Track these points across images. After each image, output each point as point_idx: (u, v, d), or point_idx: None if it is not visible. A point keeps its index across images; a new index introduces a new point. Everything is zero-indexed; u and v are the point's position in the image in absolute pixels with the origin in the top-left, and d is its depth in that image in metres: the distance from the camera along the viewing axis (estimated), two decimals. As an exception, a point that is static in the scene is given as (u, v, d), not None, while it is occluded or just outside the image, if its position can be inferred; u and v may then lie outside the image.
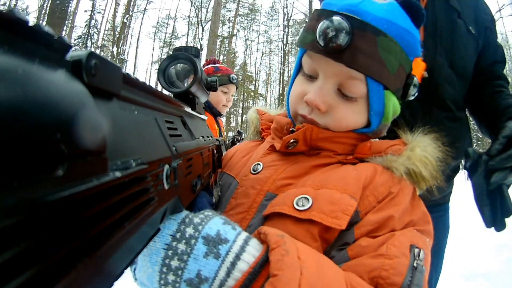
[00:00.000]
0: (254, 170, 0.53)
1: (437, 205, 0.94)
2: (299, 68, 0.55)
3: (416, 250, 0.38)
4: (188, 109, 0.42)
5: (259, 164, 0.54)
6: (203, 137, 0.44)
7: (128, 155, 0.18)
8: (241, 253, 0.30)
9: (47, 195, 0.10)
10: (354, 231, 0.41)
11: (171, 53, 0.45)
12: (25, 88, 0.10)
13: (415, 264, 0.36)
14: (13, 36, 0.11)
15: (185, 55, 0.44)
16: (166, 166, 0.24)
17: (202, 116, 0.51)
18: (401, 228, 0.42)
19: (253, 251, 0.31)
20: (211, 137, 0.51)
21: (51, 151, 0.11)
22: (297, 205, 0.42)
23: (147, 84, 0.25)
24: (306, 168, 0.50)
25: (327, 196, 0.42)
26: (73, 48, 0.14)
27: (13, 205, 0.09)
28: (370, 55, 0.45)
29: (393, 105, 0.52)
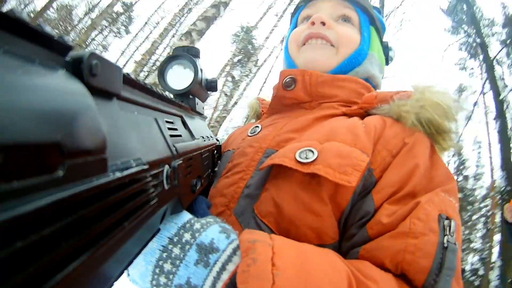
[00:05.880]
0: (251, 133, 0.51)
1: None
2: (294, 27, 0.61)
3: (446, 222, 0.32)
4: (188, 109, 0.42)
5: (257, 126, 0.52)
6: (203, 137, 0.44)
7: (128, 156, 0.18)
8: (227, 263, 0.29)
9: (47, 195, 0.10)
10: (373, 196, 0.36)
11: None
12: (26, 89, 0.10)
13: (445, 242, 0.31)
14: (13, 36, 0.10)
15: (185, 55, 0.44)
16: (166, 167, 0.24)
17: (202, 116, 0.51)
18: (425, 188, 0.36)
19: (238, 260, 0.29)
20: (211, 137, 0.51)
21: (51, 152, 0.11)
22: (300, 157, 0.37)
23: (147, 84, 0.25)
24: (309, 121, 0.47)
25: (334, 148, 0.38)
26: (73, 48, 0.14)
27: (12, 205, 0.09)
28: None
29: (377, 47, 0.57)
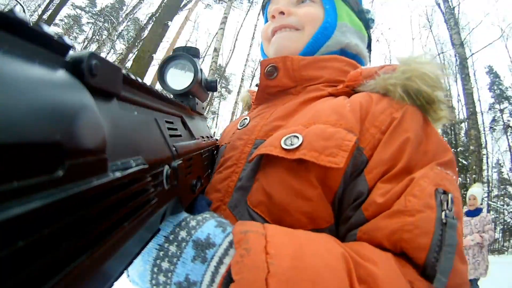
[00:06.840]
0: (241, 126, 0.51)
1: None
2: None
3: (443, 196, 0.31)
4: (188, 109, 0.42)
5: (246, 118, 0.53)
6: (203, 137, 0.44)
7: (128, 156, 0.18)
8: (224, 257, 0.28)
9: (47, 195, 0.10)
10: (365, 176, 0.36)
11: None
12: (26, 89, 0.10)
13: (443, 218, 0.29)
14: (13, 37, 0.11)
15: (185, 56, 0.44)
16: (166, 167, 0.24)
17: (202, 116, 0.51)
18: (419, 163, 0.35)
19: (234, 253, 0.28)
20: (211, 137, 0.51)
21: (51, 152, 0.11)
22: (285, 144, 0.37)
23: (147, 84, 0.25)
24: (295, 106, 0.47)
25: (319, 131, 0.37)
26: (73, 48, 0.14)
27: (12, 205, 0.09)
28: None
29: (348, 15, 0.56)
